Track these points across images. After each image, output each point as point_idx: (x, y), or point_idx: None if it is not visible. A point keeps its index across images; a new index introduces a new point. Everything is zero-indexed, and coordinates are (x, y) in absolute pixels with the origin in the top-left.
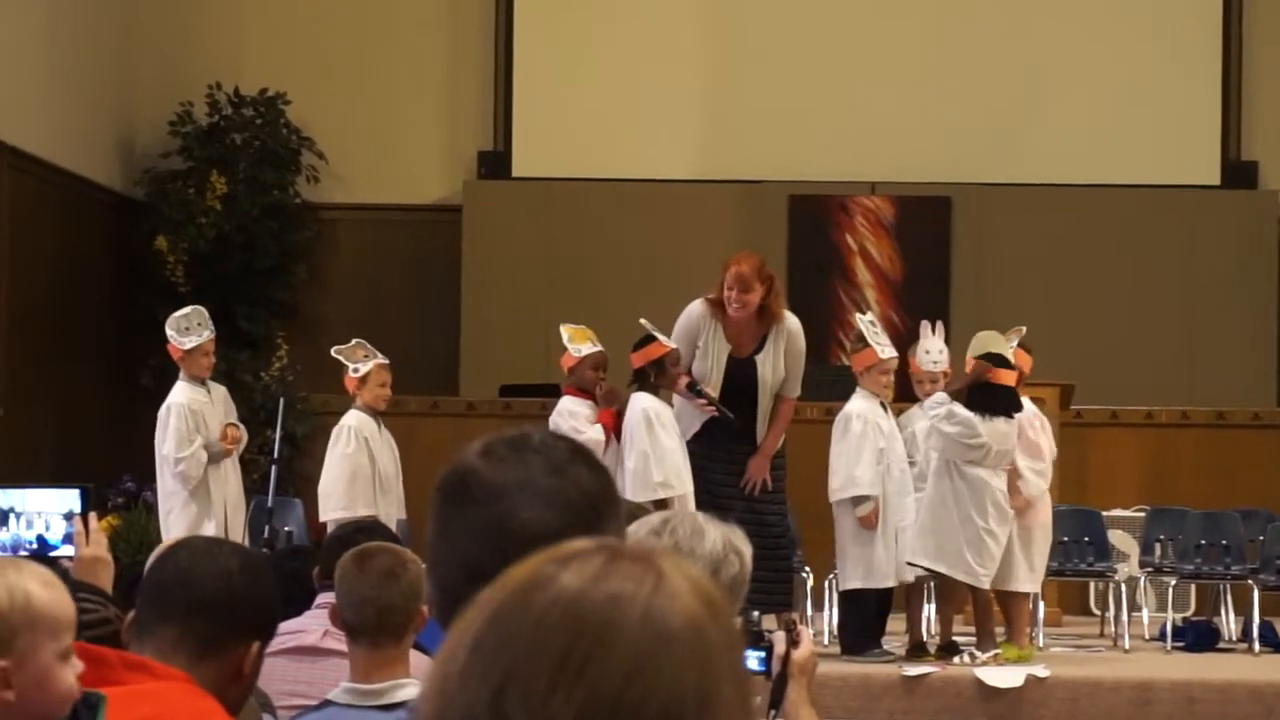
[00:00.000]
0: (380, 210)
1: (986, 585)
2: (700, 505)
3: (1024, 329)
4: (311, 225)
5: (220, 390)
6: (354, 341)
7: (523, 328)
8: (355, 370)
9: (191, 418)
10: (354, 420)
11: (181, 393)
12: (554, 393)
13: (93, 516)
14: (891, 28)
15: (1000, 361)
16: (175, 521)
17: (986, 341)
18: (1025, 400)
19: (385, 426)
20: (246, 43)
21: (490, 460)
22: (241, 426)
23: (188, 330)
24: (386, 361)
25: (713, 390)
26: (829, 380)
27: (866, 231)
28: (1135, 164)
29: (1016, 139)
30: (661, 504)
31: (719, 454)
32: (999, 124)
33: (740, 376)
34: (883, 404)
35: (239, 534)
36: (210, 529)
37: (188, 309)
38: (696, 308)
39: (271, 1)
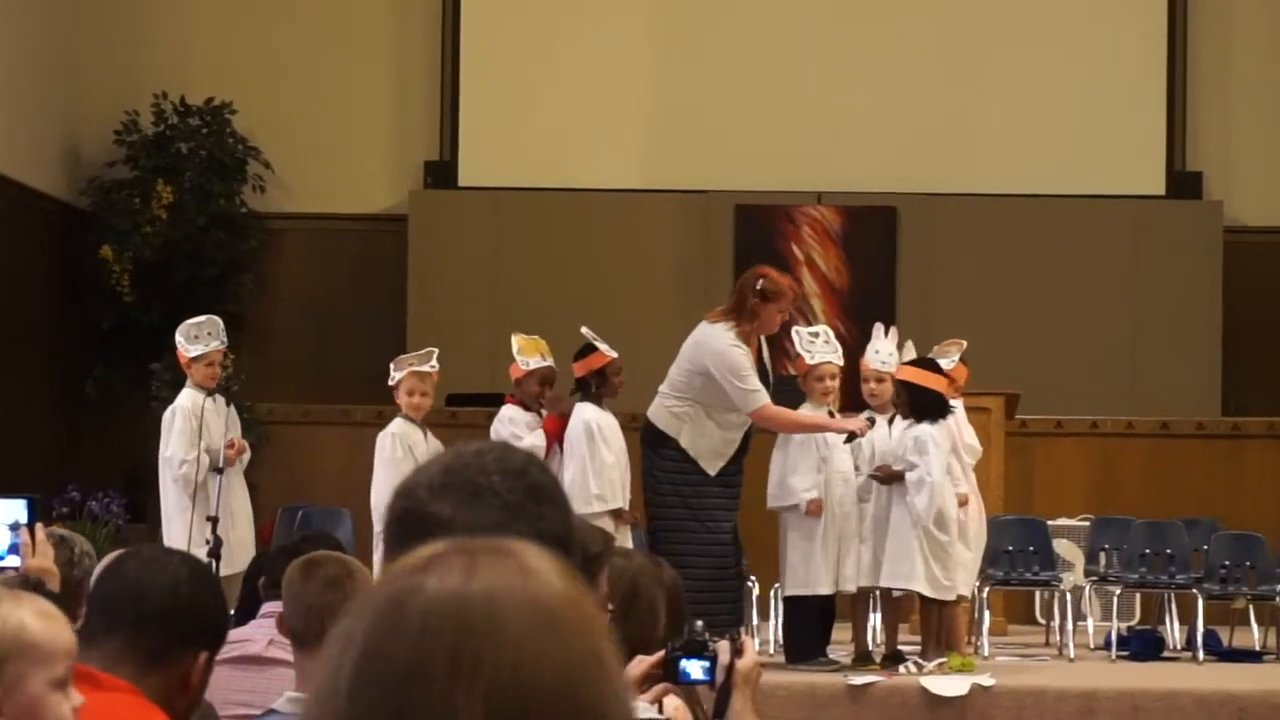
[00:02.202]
0: (327, 220)
1: (952, 597)
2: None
3: (964, 343)
4: (258, 235)
5: (223, 403)
6: (425, 349)
7: (469, 337)
8: (392, 378)
9: (195, 422)
10: (396, 428)
11: (187, 398)
12: (500, 402)
13: (39, 527)
14: (838, 39)
15: (931, 366)
16: (176, 530)
17: (911, 352)
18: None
19: (433, 434)
20: (193, 52)
21: (445, 505)
22: (245, 443)
23: (197, 338)
24: (429, 370)
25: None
26: (774, 390)
27: (813, 241)
28: (1080, 174)
29: (962, 149)
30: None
31: (736, 469)
32: (945, 135)
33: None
34: (830, 413)
35: (245, 546)
36: (242, 538)
37: (202, 318)
38: (728, 334)
39: (218, 11)
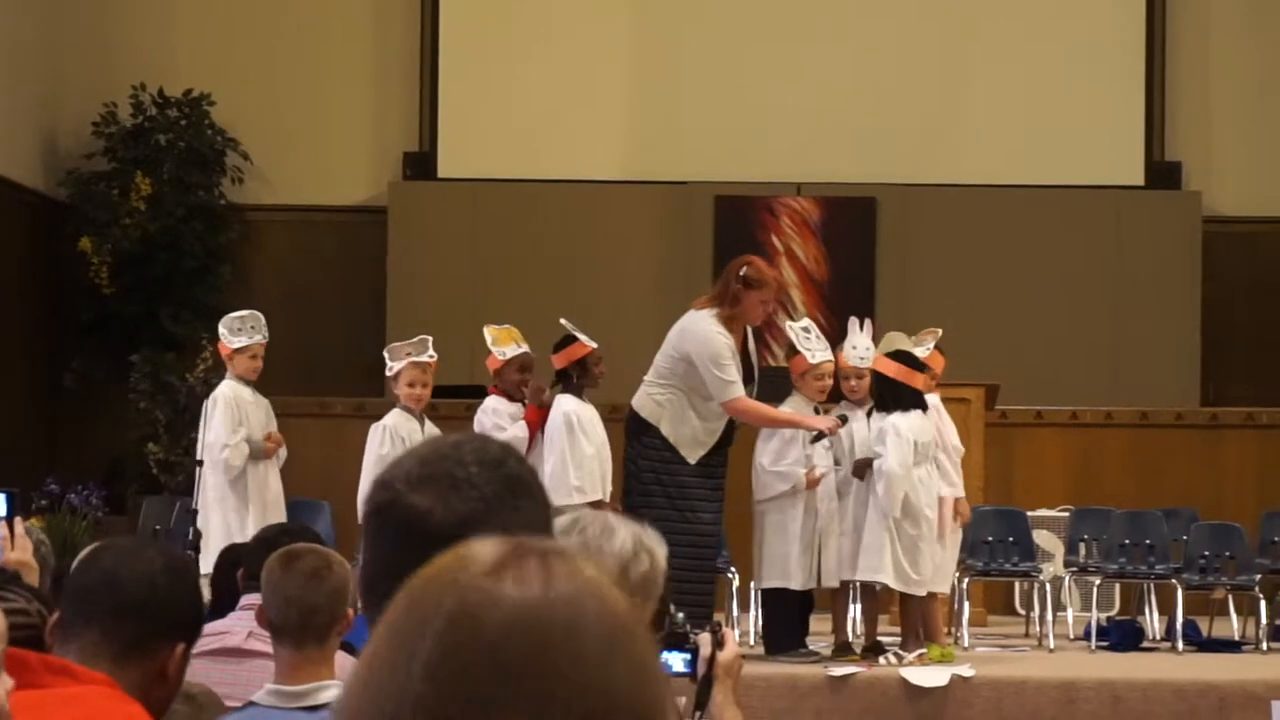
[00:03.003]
0: (306, 211)
1: (921, 592)
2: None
3: (939, 331)
4: (236, 226)
5: (264, 400)
6: (417, 338)
7: (449, 329)
8: (390, 369)
9: (237, 410)
10: (390, 420)
11: (228, 388)
12: (480, 394)
13: (18, 520)
14: (817, 30)
15: (910, 360)
16: (215, 523)
17: (894, 340)
18: (934, 397)
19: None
20: (171, 43)
21: (424, 497)
22: (282, 437)
23: (239, 331)
24: (427, 360)
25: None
26: (759, 382)
27: (792, 232)
28: (1060, 164)
29: (941, 140)
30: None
31: (722, 458)
32: (924, 125)
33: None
34: (816, 408)
35: None
36: (250, 527)
37: (245, 311)
38: (711, 322)
39: (197, 2)
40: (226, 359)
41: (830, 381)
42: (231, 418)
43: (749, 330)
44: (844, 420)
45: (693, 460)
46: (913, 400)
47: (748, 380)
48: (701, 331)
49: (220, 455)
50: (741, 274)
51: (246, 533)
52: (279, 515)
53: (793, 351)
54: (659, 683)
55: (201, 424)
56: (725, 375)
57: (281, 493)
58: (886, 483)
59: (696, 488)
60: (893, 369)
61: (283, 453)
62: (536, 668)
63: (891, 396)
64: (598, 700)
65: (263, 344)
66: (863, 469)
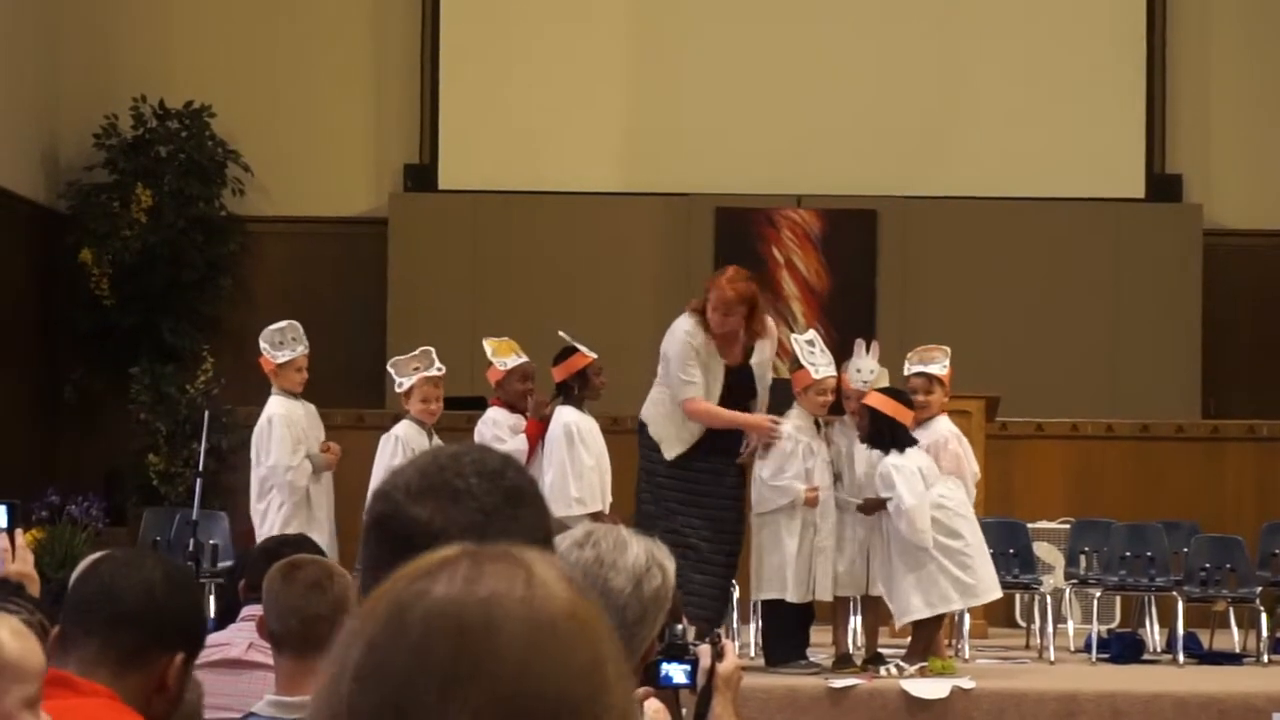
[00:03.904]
0: (306, 223)
1: (980, 601)
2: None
3: (949, 349)
4: (237, 238)
5: (311, 406)
6: (420, 350)
7: (449, 340)
8: (400, 385)
9: (294, 429)
10: (401, 430)
11: (279, 405)
12: (480, 405)
13: (19, 532)
14: (817, 41)
15: (902, 398)
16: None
17: (883, 378)
18: (946, 419)
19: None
20: (172, 55)
21: (423, 508)
22: (337, 445)
23: (281, 344)
24: (437, 374)
25: (713, 401)
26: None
27: (793, 244)
28: (1060, 177)
29: (942, 152)
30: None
31: (714, 465)
32: (924, 137)
33: (735, 386)
34: (817, 422)
35: (328, 551)
36: (323, 542)
37: (283, 323)
38: (686, 323)
39: (197, 14)
40: (271, 374)
41: (832, 397)
42: (291, 438)
43: (758, 345)
44: (775, 423)
45: (669, 456)
46: (906, 439)
47: (735, 391)
48: (675, 330)
49: (285, 479)
50: (708, 284)
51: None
52: (328, 522)
53: (796, 365)
54: (606, 691)
55: (254, 445)
56: (684, 375)
57: (332, 502)
58: (909, 520)
59: (671, 489)
60: (889, 406)
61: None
62: (453, 663)
63: (889, 435)
64: (518, 698)
65: (306, 354)
66: (873, 508)
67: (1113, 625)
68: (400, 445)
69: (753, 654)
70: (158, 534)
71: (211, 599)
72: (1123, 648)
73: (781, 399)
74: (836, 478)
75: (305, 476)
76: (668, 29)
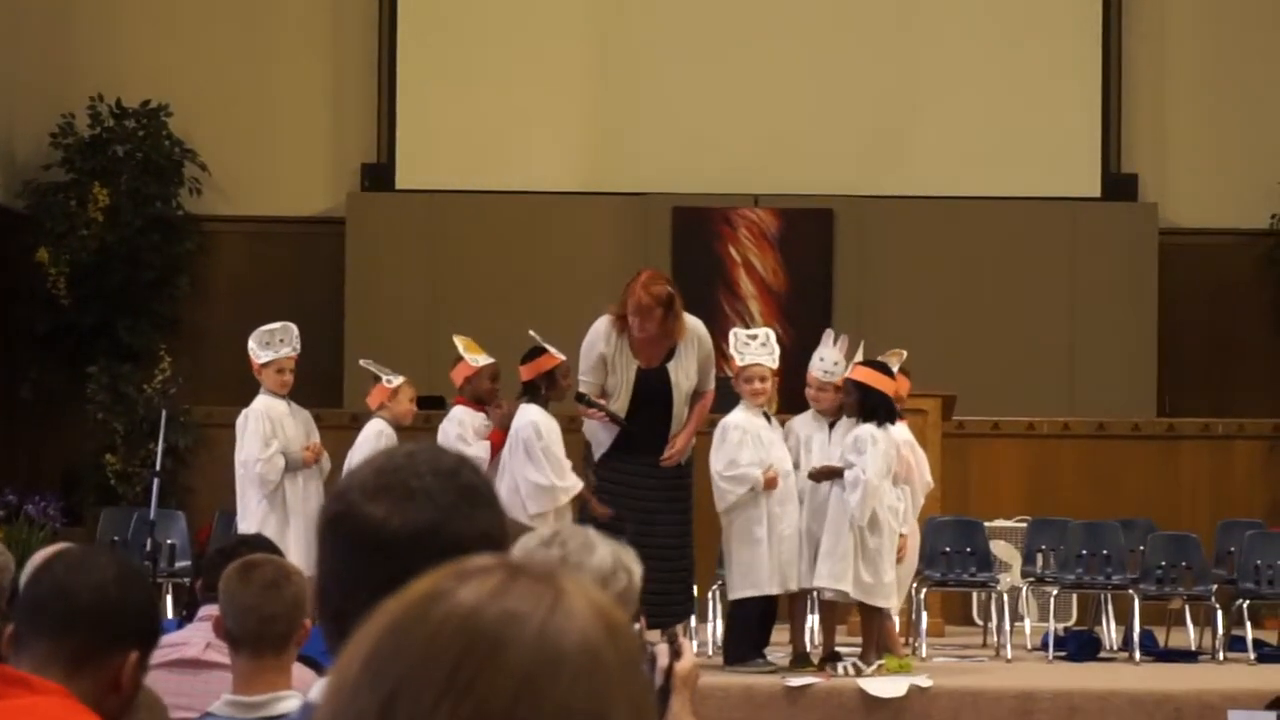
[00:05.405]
0: (263, 222)
1: (881, 604)
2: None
3: (904, 353)
4: (194, 237)
5: (303, 411)
6: (279, 324)
7: (407, 340)
8: (389, 381)
9: (269, 424)
10: (377, 428)
11: (260, 403)
12: (438, 405)
13: None
14: (774, 41)
15: (884, 369)
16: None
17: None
18: (902, 426)
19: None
20: (128, 54)
21: (379, 507)
22: (323, 447)
23: (268, 345)
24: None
25: (620, 404)
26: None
27: (750, 244)
28: (1016, 176)
29: (898, 151)
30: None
31: (635, 466)
32: (881, 136)
33: (651, 388)
34: (766, 414)
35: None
36: (291, 542)
37: (277, 324)
38: (601, 325)
39: (154, 13)
40: (256, 374)
41: (762, 385)
42: (263, 432)
43: (681, 346)
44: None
45: (596, 457)
46: (889, 413)
47: (642, 394)
48: (589, 332)
49: (255, 471)
50: (625, 288)
51: (290, 549)
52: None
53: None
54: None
55: (236, 441)
56: (579, 368)
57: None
58: (863, 492)
59: (608, 490)
60: (875, 378)
61: (325, 463)
62: (453, 671)
63: (880, 405)
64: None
65: (291, 356)
66: (824, 476)
67: (1069, 623)
68: (383, 441)
69: (710, 653)
70: (115, 533)
71: (169, 598)
72: (1079, 646)
73: (723, 395)
74: (796, 465)
75: (277, 471)
76: (625, 29)
